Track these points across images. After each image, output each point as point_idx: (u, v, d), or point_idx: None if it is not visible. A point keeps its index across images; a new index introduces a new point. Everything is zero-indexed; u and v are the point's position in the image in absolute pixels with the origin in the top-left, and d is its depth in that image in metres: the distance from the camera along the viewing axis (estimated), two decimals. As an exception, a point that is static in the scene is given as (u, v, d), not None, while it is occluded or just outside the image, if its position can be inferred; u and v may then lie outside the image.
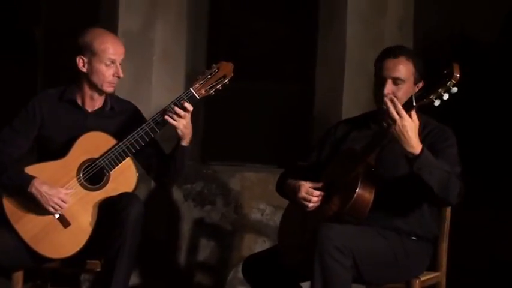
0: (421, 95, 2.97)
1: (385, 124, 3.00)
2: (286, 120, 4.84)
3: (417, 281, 3.26)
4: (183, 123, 3.38)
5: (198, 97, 3.40)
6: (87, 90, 3.52)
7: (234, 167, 4.68)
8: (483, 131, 4.62)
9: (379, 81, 3.24)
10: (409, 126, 2.98)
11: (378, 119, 3.18)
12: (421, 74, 3.26)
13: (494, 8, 4.77)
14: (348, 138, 3.37)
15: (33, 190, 3.35)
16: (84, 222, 3.36)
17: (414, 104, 2.97)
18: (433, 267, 3.42)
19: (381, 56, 3.29)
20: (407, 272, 3.24)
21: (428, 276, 3.36)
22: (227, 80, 3.42)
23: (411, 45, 4.53)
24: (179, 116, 3.36)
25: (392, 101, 3.01)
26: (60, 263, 3.44)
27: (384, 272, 3.18)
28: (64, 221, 3.36)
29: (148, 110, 3.96)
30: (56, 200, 3.34)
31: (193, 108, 3.40)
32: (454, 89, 2.89)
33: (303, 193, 3.24)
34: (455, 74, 2.87)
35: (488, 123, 4.69)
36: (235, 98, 4.74)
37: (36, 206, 3.36)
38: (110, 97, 3.57)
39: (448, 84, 2.88)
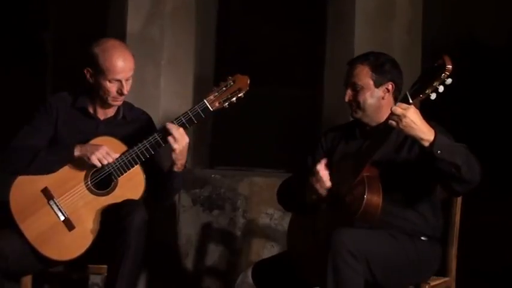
0: (416, 91, 2.94)
1: (393, 122, 2.98)
2: (294, 124, 4.83)
3: (426, 286, 3.24)
4: (180, 146, 3.31)
5: (211, 109, 3.35)
6: (98, 100, 3.48)
7: (242, 172, 4.67)
8: (494, 134, 4.60)
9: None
10: (416, 113, 2.95)
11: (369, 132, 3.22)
12: (386, 75, 3.23)
13: (502, 11, 4.76)
14: (337, 149, 3.36)
15: (80, 151, 3.31)
16: (89, 227, 3.33)
17: (410, 101, 2.95)
18: (442, 272, 3.40)
19: None
20: (418, 273, 3.22)
21: (437, 281, 3.34)
22: (242, 94, 3.38)
23: (419, 48, 4.53)
24: (176, 137, 3.29)
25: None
26: (67, 267, 3.44)
27: (397, 275, 3.15)
28: (69, 224, 3.34)
29: (157, 115, 3.96)
30: (101, 151, 3.30)
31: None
32: (449, 80, 2.87)
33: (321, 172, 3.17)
34: (447, 66, 2.85)
35: (499, 126, 4.67)
36: (244, 103, 4.73)
37: (42, 207, 3.35)
38: (123, 105, 3.52)
39: (442, 77, 2.86)
